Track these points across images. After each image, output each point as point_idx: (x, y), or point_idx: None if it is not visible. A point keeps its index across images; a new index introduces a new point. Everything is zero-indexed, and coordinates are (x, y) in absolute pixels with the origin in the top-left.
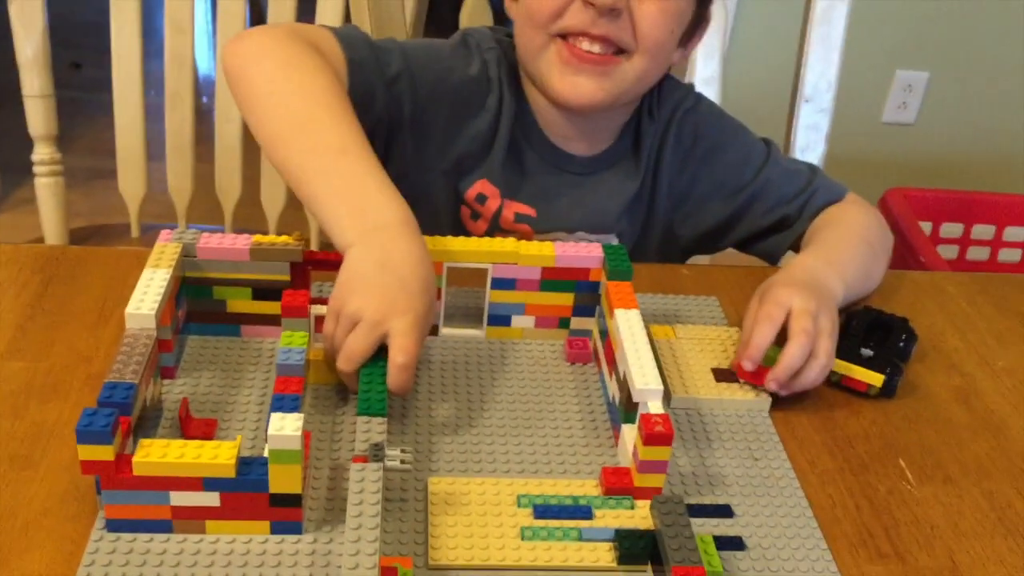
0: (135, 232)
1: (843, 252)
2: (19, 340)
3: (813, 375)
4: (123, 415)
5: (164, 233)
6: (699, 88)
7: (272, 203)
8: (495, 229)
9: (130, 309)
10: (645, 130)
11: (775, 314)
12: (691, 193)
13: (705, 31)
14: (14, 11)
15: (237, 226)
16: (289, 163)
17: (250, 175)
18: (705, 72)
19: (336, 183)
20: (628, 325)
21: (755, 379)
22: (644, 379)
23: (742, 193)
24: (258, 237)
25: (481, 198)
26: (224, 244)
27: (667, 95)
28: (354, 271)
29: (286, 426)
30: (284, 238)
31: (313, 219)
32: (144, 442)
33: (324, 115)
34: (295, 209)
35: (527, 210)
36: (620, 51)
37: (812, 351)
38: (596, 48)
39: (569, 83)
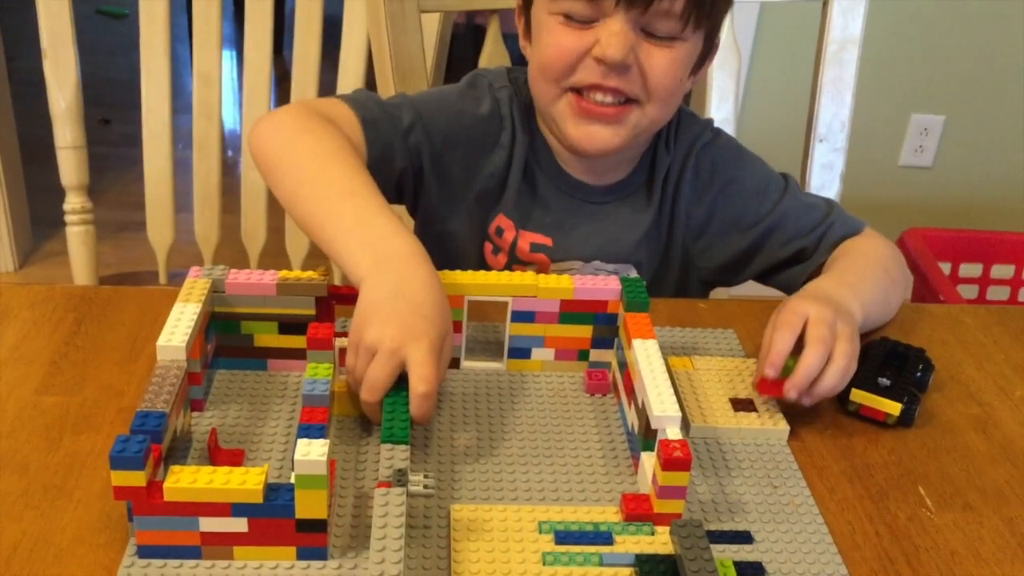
0: (163, 280)
1: (859, 276)
2: (53, 376)
3: (832, 380)
4: (155, 442)
5: (194, 269)
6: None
7: (296, 251)
8: (513, 261)
9: (161, 341)
10: (660, 162)
11: (793, 321)
12: (709, 226)
13: (714, 56)
14: (48, 65)
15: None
16: (305, 215)
17: (275, 224)
18: (720, 114)
19: (347, 223)
20: (646, 355)
21: (776, 391)
22: (662, 406)
23: (760, 225)
24: (284, 272)
25: (499, 231)
26: (251, 280)
27: (685, 129)
28: (369, 301)
29: (312, 451)
30: (309, 273)
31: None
32: (175, 468)
33: (332, 168)
34: (319, 257)
35: (543, 239)
36: (632, 98)
37: (830, 356)
38: (609, 99)
39: (584, 132)
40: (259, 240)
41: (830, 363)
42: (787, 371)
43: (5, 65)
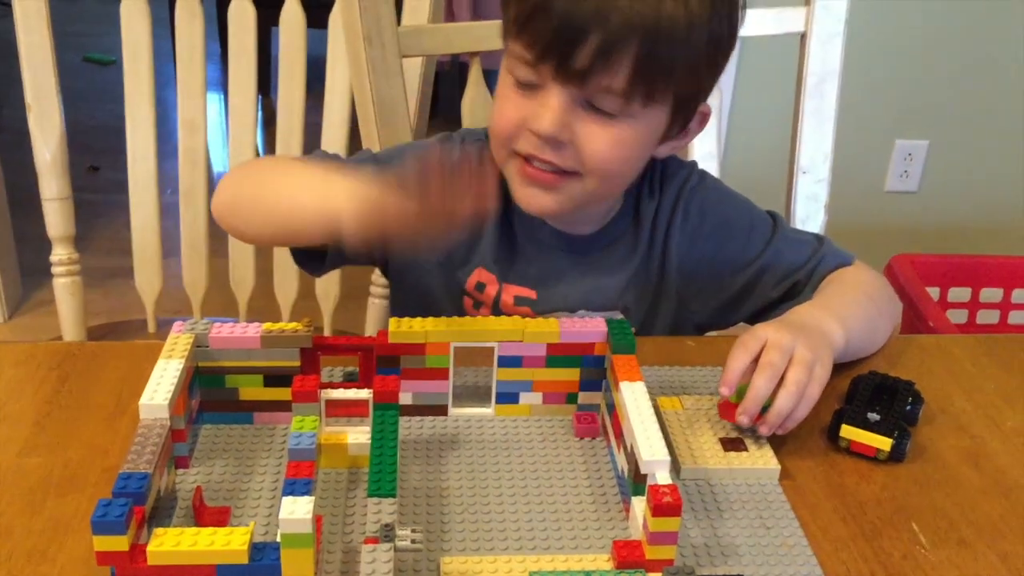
0: (152, 327)
1: (841, 300)
2: (36, 436)
3: (782, 405)
4: (137, 505)
5: (177, 324)
6: (698, 163)
7: (285, 294)
8: (497, 315)
9: (144, 400)
10: (645, 207)
11: (749, 344)
12: (701, 270)
13: (702, 127)
14: (32, 118)
15: (252, 318)
16: (268, 211)
17: (263, 267)
18: (702, 149)
19: (304, 178)
20: (633, 398)
21: (734, 417)
22: (651, 451)
23: (752, 266)
24: (268, 325)
25: (480, 286)
26: (235, 333)
27: (671, 174)
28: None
29: (297, 509)
30: (294, 325)
31: (324, 306)
32: (158, 531)
33: (273, 166)
34: (308, 299)
35: (527, 292)
36: (569, 171)
37: (783, 381)
38: (546, 167)
39: (526, 194)
40: (248, 284)
41: (781, 388)
42: (741, 395)
43: None
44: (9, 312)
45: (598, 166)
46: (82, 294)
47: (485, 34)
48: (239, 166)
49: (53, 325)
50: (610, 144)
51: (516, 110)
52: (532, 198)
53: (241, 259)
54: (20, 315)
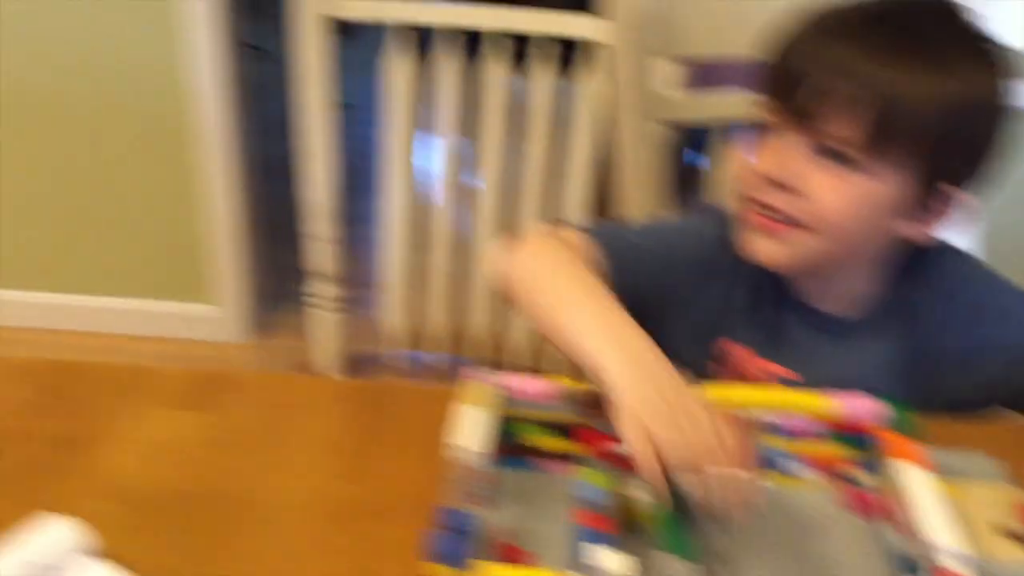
0: (396, 362)
1: None
2: (343, 465)
3: None
4: (465, 540)
5: (472, 373)
6: (957, 243)
7: (525, 334)
8: None
9: (456, 442)
10: (902, 289)
11: None
12: (968, 356)
13: (949, 209)
14: (303, 159)
15: (493, 357)
16: (547, 323)
17: (498, 308)
18: (962, 227)
19: (589, 321)
20: (915, 481)
21: None
22: (939, 537)
23: (1010, 352)
24: (560, 379)
25: (725, 355)
26: (531, 387)
27: (929, 255)
28: (645, 398)
29: (617, 564)
30: (583, 384)
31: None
32: (485, 565)
33: (565, 280)
34: (548, 341)
35: (786, 372)
36: (796, 220)
37: None
38: (768, 213)
39: (749, 241)
40: (488, 323)
41: None
42: None
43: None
44: (250, 334)
45: (826, 217)
46: (337, 327)
47: (731, 102)
48: (532, 261)
49: (289, 347)
50: (840, 196)
51: (753, 158)
52: (755, 246)
53: (482, 299)
54: (257, 337)
